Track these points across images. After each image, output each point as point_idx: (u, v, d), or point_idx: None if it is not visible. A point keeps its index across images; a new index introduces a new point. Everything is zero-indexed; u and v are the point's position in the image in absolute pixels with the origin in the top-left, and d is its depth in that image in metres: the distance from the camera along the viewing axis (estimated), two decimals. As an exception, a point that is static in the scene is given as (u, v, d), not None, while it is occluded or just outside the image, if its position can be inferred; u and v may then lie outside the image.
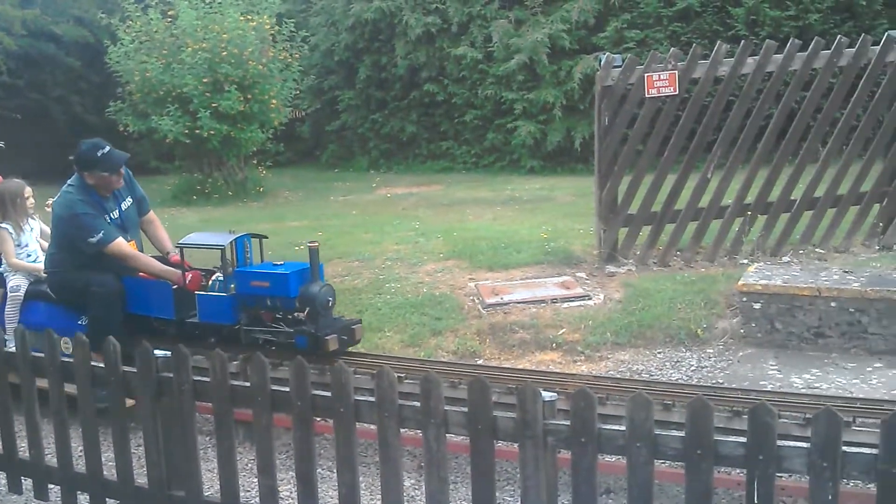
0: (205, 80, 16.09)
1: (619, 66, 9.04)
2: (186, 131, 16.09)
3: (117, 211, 6.73)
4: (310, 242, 6.40)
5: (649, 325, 7.62)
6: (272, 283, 6.25)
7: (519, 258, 9.40)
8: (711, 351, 7.33)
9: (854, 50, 9.08)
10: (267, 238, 7.04)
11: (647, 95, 9.00)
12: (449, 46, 18.48)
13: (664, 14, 16.52)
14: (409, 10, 18.78)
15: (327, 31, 20.78)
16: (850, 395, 6.03)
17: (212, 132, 16.08)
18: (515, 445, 3.68)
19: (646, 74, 8.94)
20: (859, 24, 15.36)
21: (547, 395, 3.62)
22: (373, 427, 3.95)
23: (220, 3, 16.86)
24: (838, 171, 9.28)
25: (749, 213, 9.24)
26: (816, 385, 6.50)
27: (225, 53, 16.12)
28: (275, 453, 4.25)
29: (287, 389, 4.06)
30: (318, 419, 4.53)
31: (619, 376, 6.65)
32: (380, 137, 20.04)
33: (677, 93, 9.02)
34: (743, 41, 9.42)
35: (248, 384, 4.18)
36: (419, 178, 17.80)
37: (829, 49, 9.06)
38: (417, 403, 3.78)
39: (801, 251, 9.23)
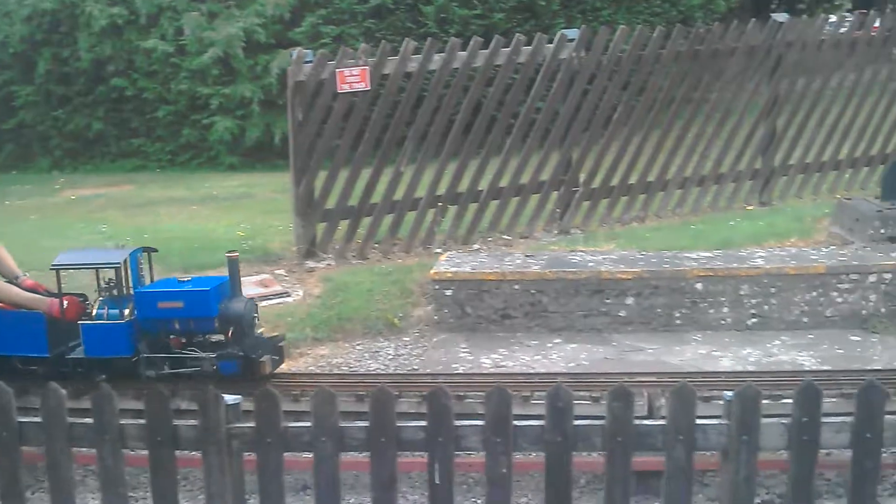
0: None
1: (311, 62, 9.02)
2: None
3: None
4: (228, 253, 5.72)
5: (348, 318, 7.69)
6: (188, 302, 5.50)
7: (215, 258, 9.07)
8: (408, 339, 7.53)
9: (531, 48, 9.69)
10: (157, 251, 6.22)
11: (339, 91, 9.06)
12: (137, 39, 17.55)
13: (358, 10, 16.71)
14: (92, 0, 17.62)
15: (-1, 21, 19.02)
16: (531, 371, 6.44)
17: None
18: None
19: (337, 70, 8.99)
20: (539, 23, 16.41)
21: (230, 399, 3.50)
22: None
23: None
24: (520, 162, 9.87)
25: (440, 204, 9.60)
26: (503, 363, 6.87)
27: None
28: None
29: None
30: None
31: (318, 371, 6.64)
32: (63, 136, 18.63)
33: (369, 88, 9.16)
34: (430, 39, 9.76)
35: None
36: (108, 178, 16.76)
37: (509, 47, 9.61)
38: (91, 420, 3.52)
39: (489, 238, 9.74)
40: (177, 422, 3.49)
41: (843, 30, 11.38)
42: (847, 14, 14.63)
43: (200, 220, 11.57)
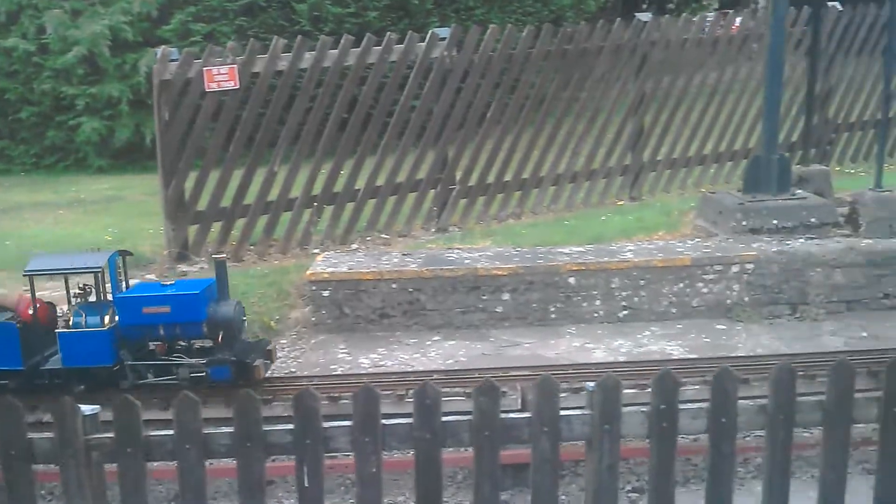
0: None
1: (177, 60, 8.80)
2: None
3: None
4: (216, 254, 5.48)
5: (223, 322, 7.51)
6: (176, 306, 5.31)
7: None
8: (285, 341, 7.42)
9: (403, 46, 9.69)
10: (132, 254, 5.94)
11: (207, 90, 8.87)
12: (-3, 38, 16.80)
13: (230, 7, 16.39)
14: (-55, -4, 16.75)
15: None
16: (409, 370, 6.43)
17: None
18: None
19: (204, 68, 8.80)
20: (414, 21, 16.43)
21: (87, 409, 3.37)
22: None
23: None
24: (396, 161, 9.87)
25: (316, 204, 9.51)
26: (382, 363, 6.85)
27: None
28: None
29: None
30: None
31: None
32: (-81, 139, 17.69)
33: (238, 87, 8.99)
34: (300, 37, 9.65)
35: None
36: (-30, 182, 15.99)
37: (381, 45, 9.58)
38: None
39: (368, 238, 9.70)
40: (32, 434, 3.35)
41: (705, 29, 11.79)
42: (709, 14, 15.16)
43: (67, 225, 11.14)
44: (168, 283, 5.78)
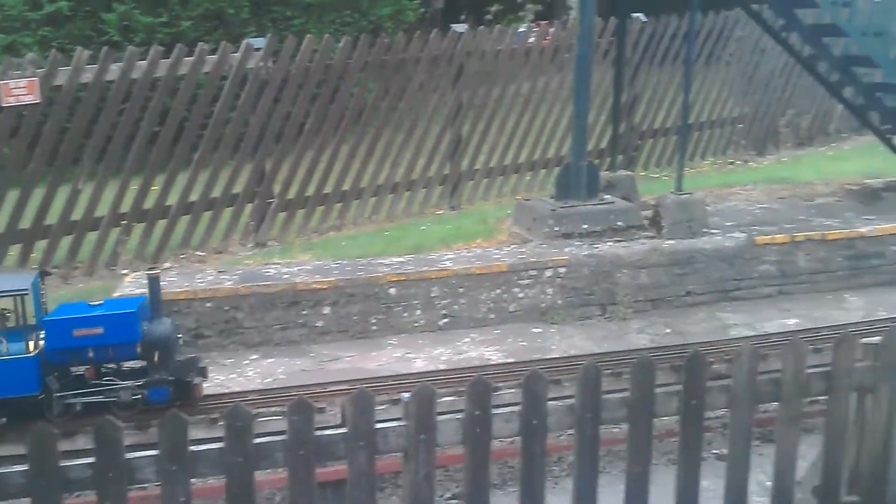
0: None
1: (-31, 74, 8.25)
2: None
3: None
4: (149, 270, 5.16)
5: (24, 350, 7.06)
6: (109, 327, 5.00)
7: None
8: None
9: (216, 57, 9.45)
10: (51, 274, 5.50)
11: (3, 104, 8.35)
12: None
13: (32, 18, 15.52)
14: None
15: None
16: (225, 391, 6.24)
17: None
18: None
19: (1, 82, 8.28)
20: (230, 31, 16.05)
21: None
22: None
23: None
24: (211, 175, 9.60)
25: (124, 222, 9.12)
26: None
27: None
28: None
29: None
30: None
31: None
32: None
33: (39, 101, 8.51)
34: (106, 48, 9.23)
35: None
36: None
37: (193, 56, 9.31)
38: None
39: (182, 255, 9.38)
40: None
41: (519, 39, 12.11)
42: (521, 26, 15.62)
43: None
44: (96, 303, 5.49)
